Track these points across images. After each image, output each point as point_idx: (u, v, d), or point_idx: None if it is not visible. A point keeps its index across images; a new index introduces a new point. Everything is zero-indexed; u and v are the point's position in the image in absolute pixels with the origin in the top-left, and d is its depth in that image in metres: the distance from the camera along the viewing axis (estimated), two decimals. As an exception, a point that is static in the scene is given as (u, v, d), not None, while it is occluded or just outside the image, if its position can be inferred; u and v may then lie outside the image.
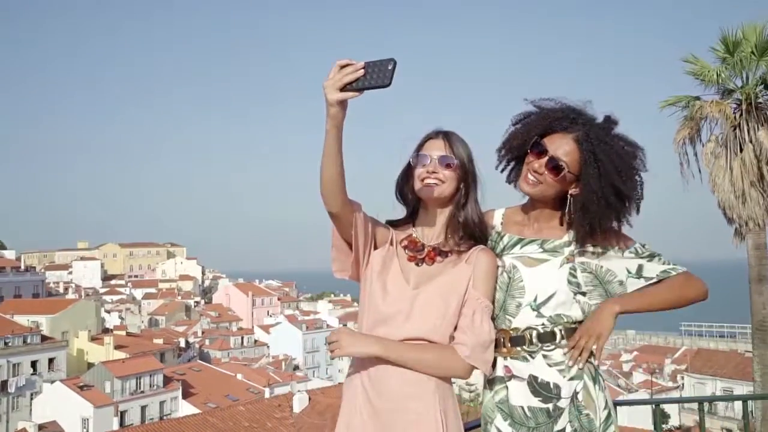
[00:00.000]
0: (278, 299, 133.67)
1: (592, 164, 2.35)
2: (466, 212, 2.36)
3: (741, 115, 16.26)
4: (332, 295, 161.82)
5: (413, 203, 2.46)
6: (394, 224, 2.49)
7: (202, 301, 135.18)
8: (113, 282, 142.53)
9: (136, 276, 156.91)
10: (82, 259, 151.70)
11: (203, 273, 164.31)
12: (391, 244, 2.40)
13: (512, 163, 2.56)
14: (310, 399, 31.39)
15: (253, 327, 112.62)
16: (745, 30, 16.39)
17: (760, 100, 16.19)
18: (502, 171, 2.58)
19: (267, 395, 56.54)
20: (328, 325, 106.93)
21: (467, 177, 2.36)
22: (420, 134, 2.44)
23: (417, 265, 2.36)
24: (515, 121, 2.54)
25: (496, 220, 2.61)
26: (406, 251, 2.39)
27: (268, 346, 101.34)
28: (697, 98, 16.95)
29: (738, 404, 46.99)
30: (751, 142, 15.97)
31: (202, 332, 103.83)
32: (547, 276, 2.41)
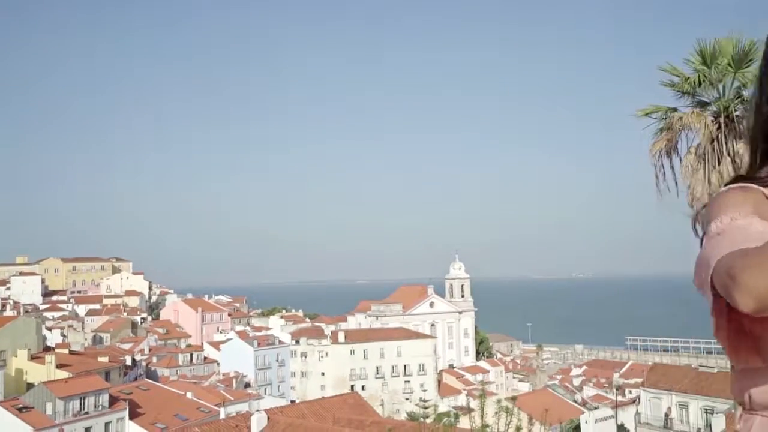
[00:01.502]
0: (229, 315, 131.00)
1: None
2: None
3: (719, 127, 16.12)
4: (284, 311, 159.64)
5: None
6: (746, 179, 1.67)
7: (149, 318, 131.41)
8: (54, 298, 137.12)
9: (79, 292, 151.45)
10: (21, 274, 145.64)
11: (150, 288, 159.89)
12: None
13: None
14: (269, 419, 30.19)
15: (202, 344, 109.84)
16: (722, 42, 16.30)
17: (737, 113, 16.07)
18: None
19: (222, 415, 54.78)
20: (280, 341, 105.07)
21: None
22: None
23: None
24: None
25: None
26: None
27: (218, 363, 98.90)
28: (675, 109, 16.78)
29: (693, 419, 47.61)
30: (729, 155, 15.82)
31: (150, 349, 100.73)
32: None
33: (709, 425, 43.30)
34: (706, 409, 47.02)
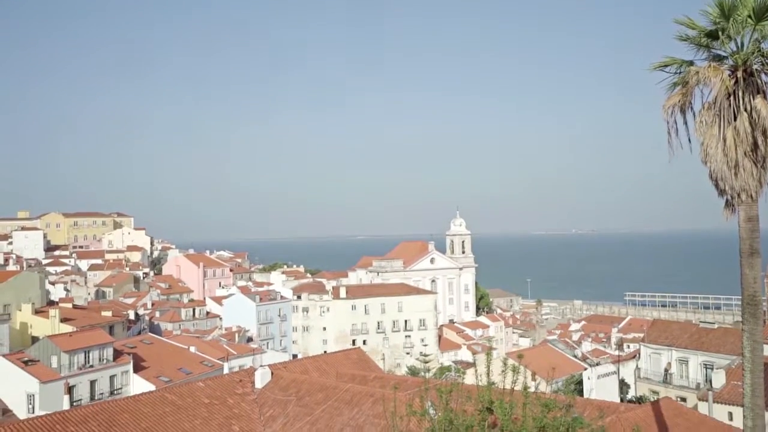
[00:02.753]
0: (230, 270, 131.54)
1: None
2: None
3: (735, 82, 15.63)
4: (285, 266, 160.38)
5: None
6: None
7: (151, 273, 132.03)
8: (57, 253, 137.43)
9: (80, 247, 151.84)
10: (23, 229, 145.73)
11: (152, 244, 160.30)
12: None
13: None
14: (272, 374, 30.38)
15: (204, 299, 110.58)
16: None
17: (756, 67, 15.56)
18: None
19: (226, 369, 55.34)
20: (281, 297, 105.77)
21: None
22: None
23: None
24: None
25: None
26: None
27: (220, 318, 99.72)
28: (691, 63, 16.26)
29: (692, 374, 48.03)
30: (745, 110, 15.35)
31: (152, 304, 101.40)
32: None
33: (708, 380, 43.71)
34: (705, 365, 47.46)
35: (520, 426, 14.01)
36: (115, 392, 52.69)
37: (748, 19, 15.46)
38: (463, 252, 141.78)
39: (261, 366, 33.10)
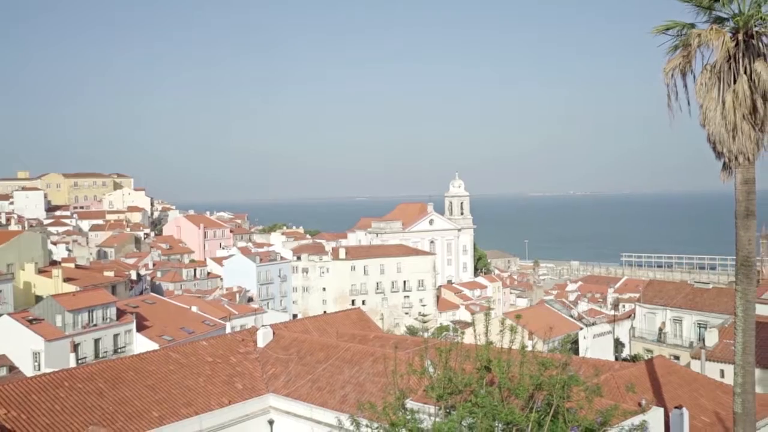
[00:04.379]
0: (231, 231, 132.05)
1: None
2: None
3: (736, 44, 15.65)
4: (285, 227, 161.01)
5: None
6: None
7: (152, 233, 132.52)
8: (58, 213, 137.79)
9: (81, 207, 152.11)
10: (24, 189, 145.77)
11: (152, 204, 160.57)
12: None
13: None
14: (274, 333, 30.93)
15: (205, 259, 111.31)
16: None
17: (756, 29, 15.56)
18: None
19: (228, 329, 56.12)
20: (281, 257, 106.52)
21: None
22: None
23: None
24: None
25: None
26: None
27: (221, 279, 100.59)
28: (693, 25, 16.26)
29: (686, 333, 48.81)
30: (745, 73, 15.42)
31: (153, 264, 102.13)
32: None
33: (701, 339, 44.49)
34: (699, 324, 48.23)
35: (517, 383, 14.42)
36: (119, 351, 53.55)
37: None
38: (462, 213, 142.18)
39: (263, 326, 33.66)
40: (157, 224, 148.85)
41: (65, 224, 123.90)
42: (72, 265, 76.64)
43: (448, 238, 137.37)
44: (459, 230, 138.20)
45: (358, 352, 28.07)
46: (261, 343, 30.69)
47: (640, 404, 18.57)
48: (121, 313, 56.45)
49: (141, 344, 53.74)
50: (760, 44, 15.51)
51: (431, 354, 16.70)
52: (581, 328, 50.99)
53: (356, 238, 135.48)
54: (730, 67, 15.65)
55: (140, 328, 56.52)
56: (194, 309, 65.25)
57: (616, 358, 45.88)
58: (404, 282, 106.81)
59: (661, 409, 19.67)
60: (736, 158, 15.52)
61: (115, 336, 54.76)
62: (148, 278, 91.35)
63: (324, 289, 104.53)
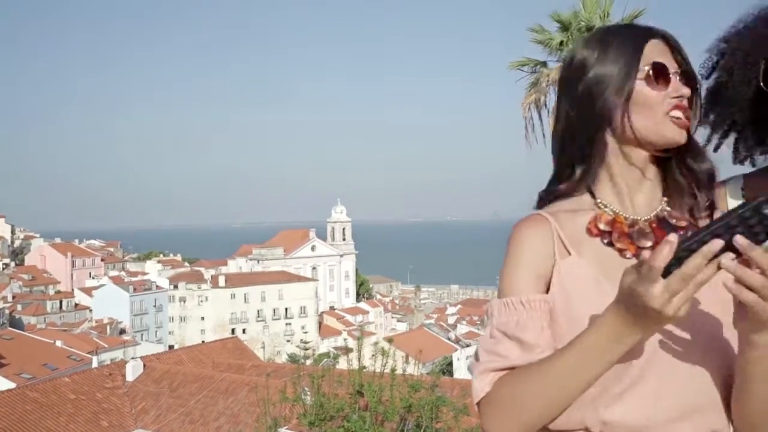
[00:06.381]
0: (102, 260, 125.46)
1: None
2: (702, 160, 1.28)
3: (582, 84, 17.10)
4: (161, 255, 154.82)
5: (596, 158, 1.25)
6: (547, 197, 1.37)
7: (13, 264, 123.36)
8: None
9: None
10: None
11: (12, 233, 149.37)
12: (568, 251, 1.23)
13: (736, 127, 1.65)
14: (144, 366, 29.67)
15: (73, 290, 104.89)
16: (585, 2, 17.20)
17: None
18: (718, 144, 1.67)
19: (95, 363, 52.96)
20: (157, 286, 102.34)
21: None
22: None
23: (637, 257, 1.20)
24: (713, 70, 1.62)
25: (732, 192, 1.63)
26: (612, 242, 1.24)
27: (90, 310, 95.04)
28: (544, 63, 17.62)
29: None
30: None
31: (13, 297, 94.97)
32: None
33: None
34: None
35: (389, 407, 14.76)
36: (-29, 392, 49.18)
37: (586, 32, 17.03)
38: (344, 239, 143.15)
39: (132, 358, 32.24)
40: (18, 254, 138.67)
41: None
42: None
43: (331, 264, 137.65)
44: (341, 256, 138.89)
45: (234, 382, 27.50)
46: (130, 376, 29.33)
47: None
48: (-27, 351, 52.00)
49: (-3, 384, 49.66)
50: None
51: (305, 381, 16.77)
52: (456, 350, 52.57)
53: (237, 265, 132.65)
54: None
55: (-4, 366, 52.26)
56: (59, 343, 61.24)
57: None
58: (286, 309, 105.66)
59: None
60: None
61: (-33, 376, 50.29)
62: (7, 312, 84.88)
63: (202, 318, 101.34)
